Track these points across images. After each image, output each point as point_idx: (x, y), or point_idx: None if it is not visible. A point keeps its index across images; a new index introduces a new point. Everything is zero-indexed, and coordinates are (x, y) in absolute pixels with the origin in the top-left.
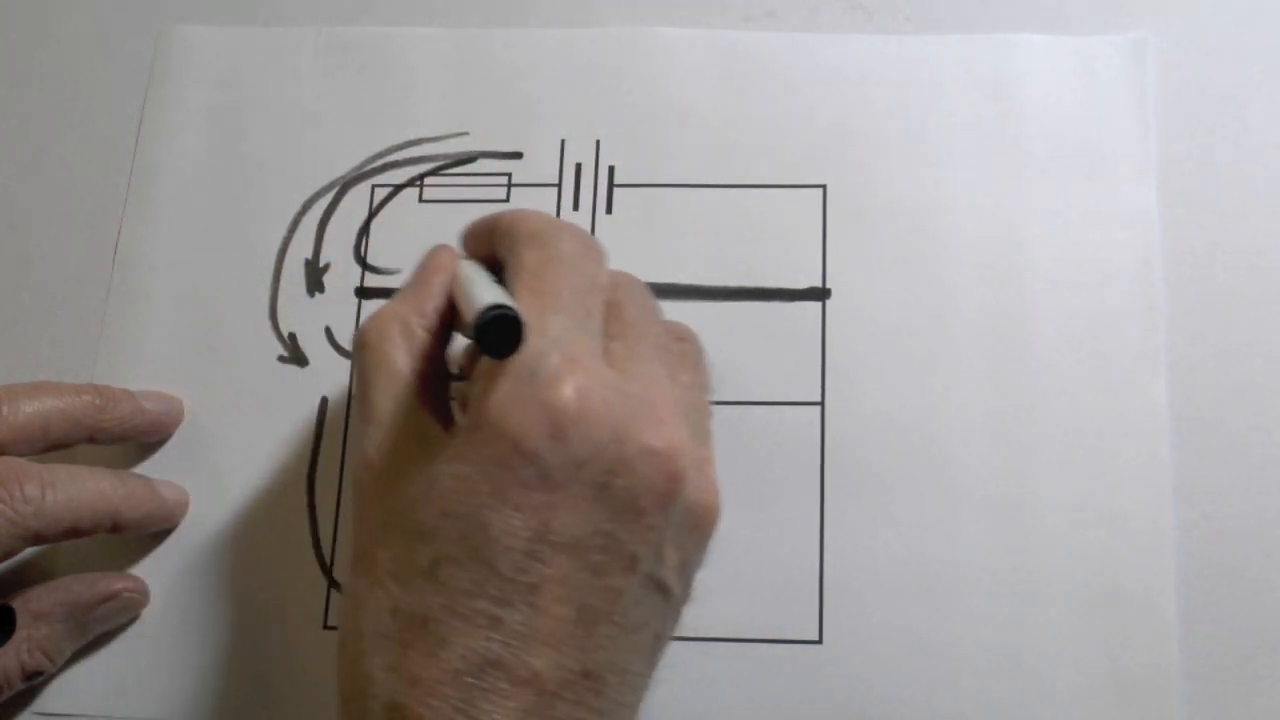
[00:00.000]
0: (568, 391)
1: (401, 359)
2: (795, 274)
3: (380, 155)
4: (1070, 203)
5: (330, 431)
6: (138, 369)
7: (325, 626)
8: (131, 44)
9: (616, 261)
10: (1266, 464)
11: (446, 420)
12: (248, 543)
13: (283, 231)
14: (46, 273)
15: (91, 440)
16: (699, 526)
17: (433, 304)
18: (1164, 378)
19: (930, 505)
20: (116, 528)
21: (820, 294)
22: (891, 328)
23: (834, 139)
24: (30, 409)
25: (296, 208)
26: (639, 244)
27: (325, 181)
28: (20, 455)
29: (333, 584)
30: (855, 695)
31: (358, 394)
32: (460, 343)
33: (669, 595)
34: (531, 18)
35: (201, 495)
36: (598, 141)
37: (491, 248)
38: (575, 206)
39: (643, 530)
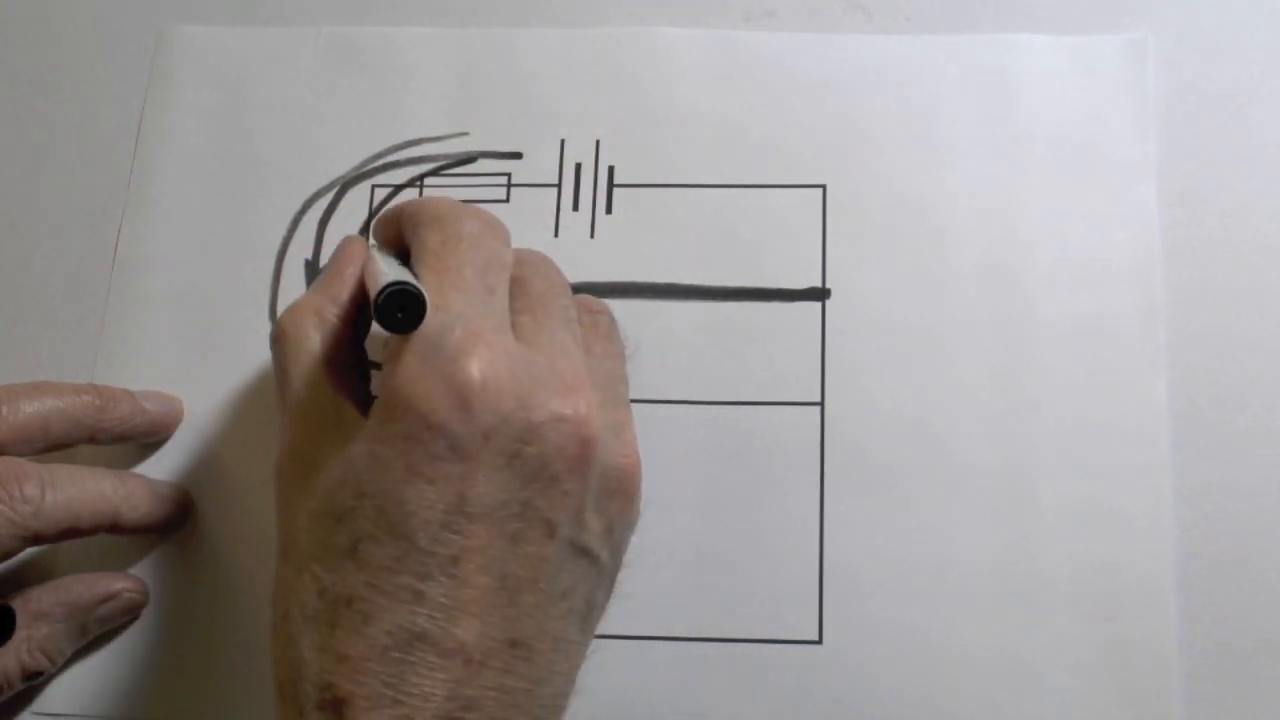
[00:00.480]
0: (471, 364)
1: (315, 347)
2: (795, 274)
3: (380, 155)
4: (1070, 203)
5: None
6: (138, 369)
7: None
8: (131, 44)
9: (617, 261)
10: (1266, 464)
11: (365, 406)
12: (247, 543)
13: (283, 231)
14: (46, 273)
15: (91, 440)
16: (620, 490)
17: (346, 293)
18: (1164, 377)
19: (930, 505)
20: (116, 528)
21: (820, 294)
22: (891, 327)
23: (834, 139)
24: (30, 409)
25: (296, 208)
26: (639, 244)
27: (325, 181)
28: (20, 455)
29: None
30: (855, 695)
31: (276, 385)
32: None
33: (595, 560)
34: (532, 18)
35: (201, 495)
36: (598, 141)
37: (397, 231)
38: (575, 206)
39: (558, 496)
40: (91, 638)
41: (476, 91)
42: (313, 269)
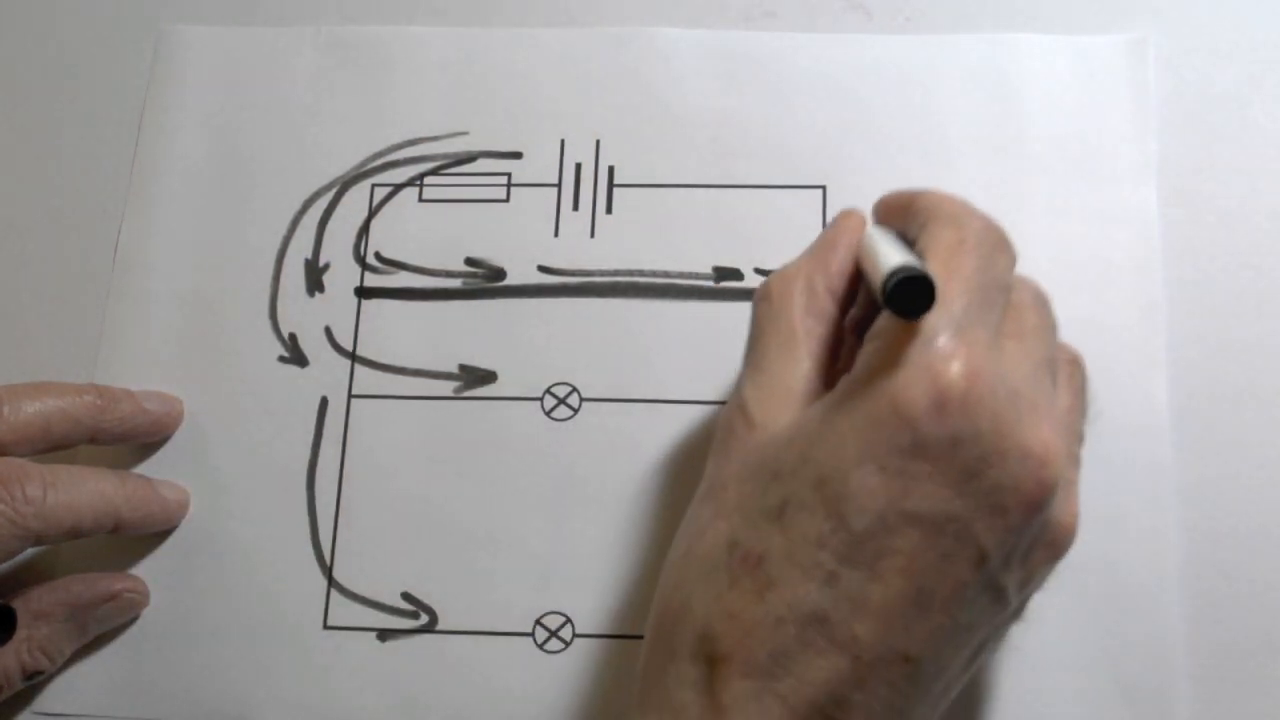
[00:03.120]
0: (958, 368)
1: (799, 316)
2: None
3: (380, 155)
4: (1070, 203)
5: (330, 431)
6: (138, 369)
7: (325, 626)
8: (131, 44)
9: (617, 261)
10: (1266, 464)
11: (830, 383)
12: (247, 543)
13: (283, 231)
14: (46, 273)
15: (92, 440)
16: (1051, 545)
17: (837, 265)
18: (1164, 378)
19: None
20: (117, 528)
21: None
22: None
23: (834, 139)
24: (31, 409)
25: (296, 207)
26: (639, 244)
27: (325, 181)
28: (21, 455)
29: (332, 584)
30: None
31: (751, 341)
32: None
33: (1005, 605)
34: (531, 18)
35: (201, 495)
36: (598, 142)
37: (904, 222)
38: (575, 206)
39: (1000, 530)
40: (91, 638)
41: (476, 91)
42: (312, 268)
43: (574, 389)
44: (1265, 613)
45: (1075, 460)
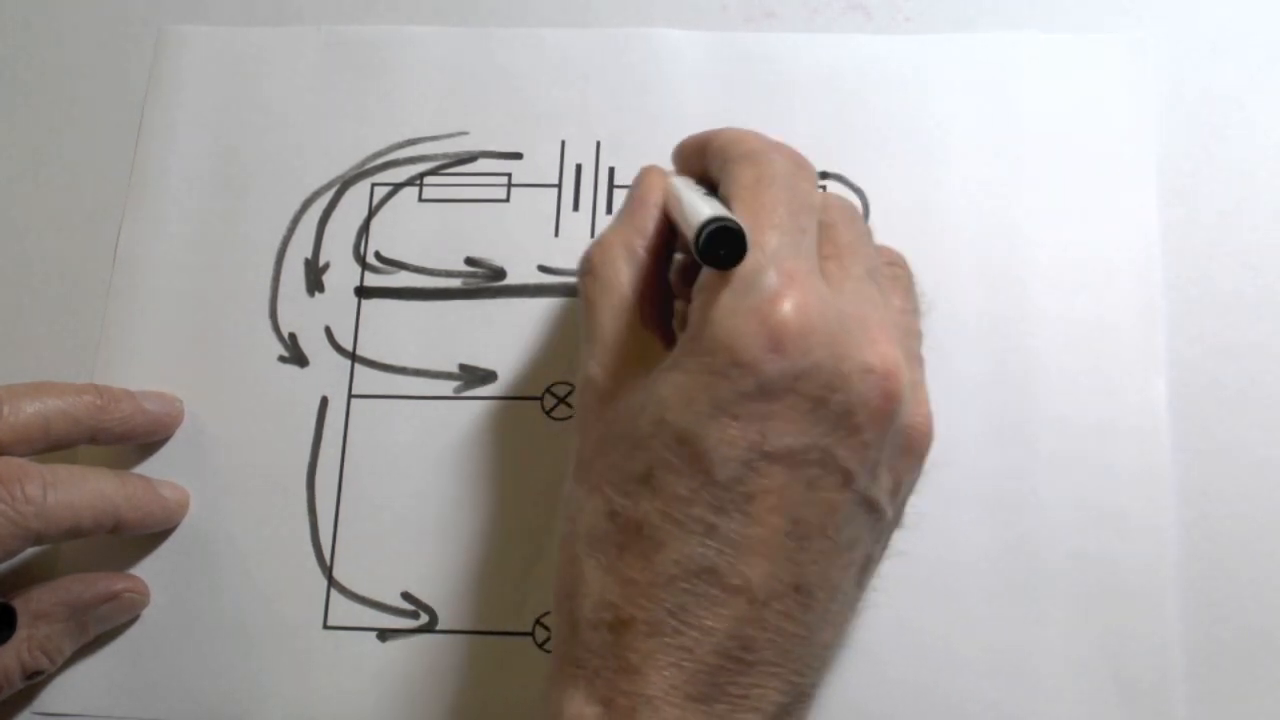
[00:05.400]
0: (787, 306)
1: (625, 280)
2: None
3: (380, 154)
4: (1070, 203)
5: (330, 431)
6: (138, 369)
7: (325, 626)
8: (131, 44)
9: None
10: (1266, 464)
11: (668, 338)
12: (248, 543)
13: (282, 231)
14: (46, 273)
15: (92, 440)
16: (912, 449)
17: (651, 224)
18: (1164, 378)
19: (930, 505)
20: (117, 528)
21: None
22: None
23: (834, 139)
24: (31, 409)
25: (296, 207)
26: None
27: (325, 180)
28: (21, 455)
29: (332, 584)
30: (855, 693)
31: (583, 316)
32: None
33: (881, 516)
34: (531, 18)
35: (201, 495)
36: (598, 142)
37: (703, 166)
38: (575, 207)
39: (858, 447)
40: (91, 637)
41: (476, 91)
42: (312, 268)
43: (574, 389)
44: (1264, 612)
45: (917, 360)
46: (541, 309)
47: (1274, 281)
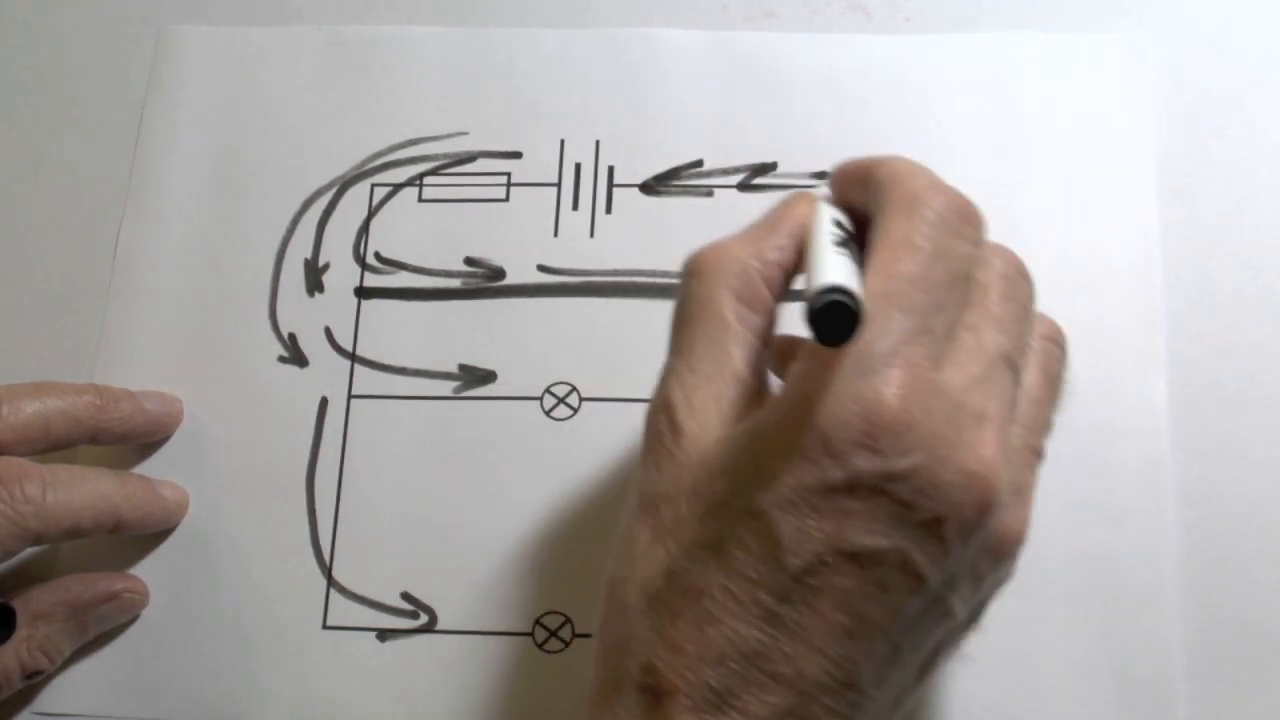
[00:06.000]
0: (892, 398)
1: (730, 305)
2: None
3: (380, 154)
4: (1070, 202)
5: (330, 431)
6: (138, 369)
7: (324, 626)
8: (131, 44)
9: (617, 261)
10: (1266, 464)
11: (761, 380)
12: (247, 543)
13: (282, 231)
14: (46, 273)
15: (92, 440)
16: (998, 552)
17: (775, 253)
18: (1164, 378)
19: None
20: (117, 528)
21: None
22: None
23: (833, 139)
24: (31, 409)
25: (296, 207)
26: (639, 244)
27: (325, 181)
28: (21, 455)
29: (331, 584)
30: None
31: (677, 324)
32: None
33: (951, 618)
34: (531, 18)
35: (201, 495)
36: (598, 142)
37: (863, 196)
38: (575, 206)
39: (939, 555)
40: (91, 637)
41: (476, 91)
42: (312, 268)
43: (574, 389)
44: (1264, 611)
45: (1031, 460)
46: (541, 309)
47: (1274, 281)
